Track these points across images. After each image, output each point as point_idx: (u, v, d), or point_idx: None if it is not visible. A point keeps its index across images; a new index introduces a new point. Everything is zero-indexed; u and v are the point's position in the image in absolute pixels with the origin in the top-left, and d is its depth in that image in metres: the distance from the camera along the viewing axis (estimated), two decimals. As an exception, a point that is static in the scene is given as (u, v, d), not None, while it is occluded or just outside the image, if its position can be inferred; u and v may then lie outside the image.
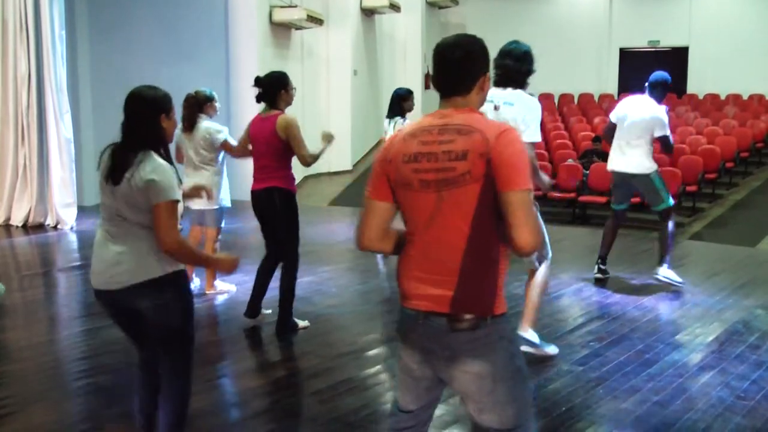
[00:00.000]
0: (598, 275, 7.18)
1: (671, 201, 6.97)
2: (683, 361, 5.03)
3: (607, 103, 19.05)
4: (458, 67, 2.38)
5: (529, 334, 4.93)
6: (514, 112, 4.63)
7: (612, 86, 20.24)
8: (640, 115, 6.72)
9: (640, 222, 10.79)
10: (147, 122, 3.15)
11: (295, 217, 5.42)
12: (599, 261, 7.22)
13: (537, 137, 4.71)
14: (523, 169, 2.25)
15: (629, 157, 6.80)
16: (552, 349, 5.07)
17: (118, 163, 3.10)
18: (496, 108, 4.67)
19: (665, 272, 6.98)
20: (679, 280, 6.98)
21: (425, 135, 2.36)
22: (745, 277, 7.63)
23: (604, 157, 12.54)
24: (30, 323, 6.02)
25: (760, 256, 9.36)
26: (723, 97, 18.67)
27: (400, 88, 8.11)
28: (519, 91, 4.74)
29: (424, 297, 2.36)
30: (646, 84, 6.85)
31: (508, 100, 4.69)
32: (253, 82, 5.38)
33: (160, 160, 3.13)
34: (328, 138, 5.54)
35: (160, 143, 3.18)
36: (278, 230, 5.45)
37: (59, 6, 10.14)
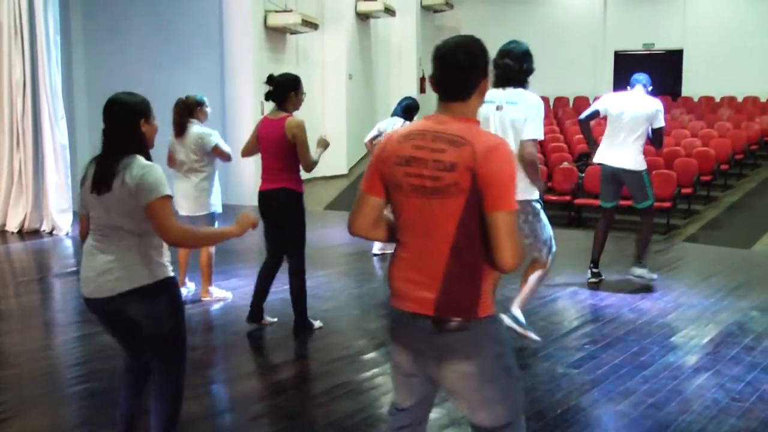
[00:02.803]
0: (593, 279, 7.19)
1: (653, 199, 7.09)
2: (678, 363, 5.04)
3: (602, 105, 19.08)
4: (460, 72, 2.37)
5: (518, 312, 5.09)
6: (517, 111, 4.65)
7: (607, 89, 20.09)
8: (642, 109, 6.79)
9: (636, 224, 10.77)
10: (127, 128, 3.17)
11: (302, 218, 5.45)
12: (592, 265, 7.24)
13: (540, 135, 4.75)
14: (510, 189, 2.28)
15: (624, 152, 6.84)
16: (534, 336, 5.19)
17: (104, 171, 3.11)
18: (498, 108, 4.67)
19: (641, 271, 7.10)
20: (654, 276, 7.11)
21: (419, 140, 2.37)
22: (740, 278, 7.64)
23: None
24: (25, 329, 6.01)
25: (755, 258, 9.38)
26: (717, 100, 18.71)
27: (415, 99, 8.31)
28: (521, 90, 4.75)
29: (411, 298, 2.41)
30: (641, 82, 6.90)
31: (511, 99, 4.69)
32: (265, 79, 5.40)
33: (146, 161, 3.15)
34: (323, 144, 5.54)
35: (141, 148, 3.20)
36: (284, 231, 5.47)
37: (54, 11, 10.13)
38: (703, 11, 19.23)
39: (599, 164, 7.08)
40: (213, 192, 6.40)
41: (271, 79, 5.38)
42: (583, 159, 13.33)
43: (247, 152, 5.82)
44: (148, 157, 3.21)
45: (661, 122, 6.86)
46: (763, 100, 18.24)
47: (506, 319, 5.04)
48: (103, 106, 3.19)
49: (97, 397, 4.47)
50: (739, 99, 18.51)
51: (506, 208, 2.26)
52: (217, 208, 6.48)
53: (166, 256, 3.26)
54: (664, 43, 19.80)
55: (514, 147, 4.68)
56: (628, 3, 19.86)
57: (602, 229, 7.24)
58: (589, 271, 7.24)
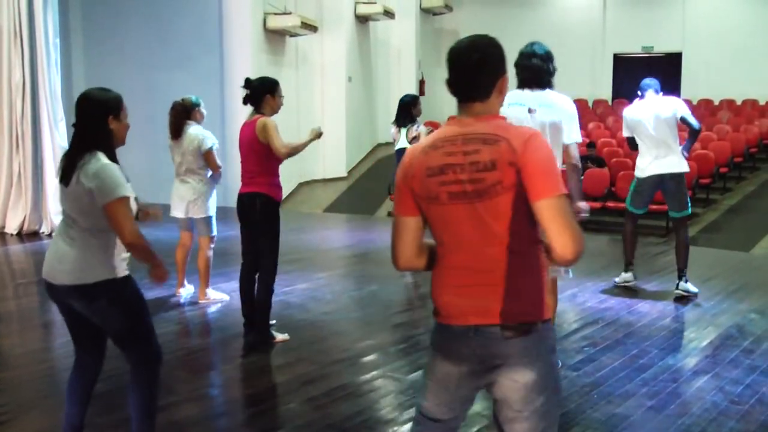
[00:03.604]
0: (632, 282, 7.16)
1: (690, 209, 6.99)
2: (677, 366, 5.04)
3: (601, 108, 19.12)
4: (476, 71, 2.29)
5: None
6: (554, 115, 4.51)
7: (606, 92, 20.29)
8: (669, 111, 6.77)
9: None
10: (95, 123, 3.20)
11: (276, 226, 5.31)
12: (630, 266, 7.20)
13: (580, 137, 4.68)
14: (554, 173, 2.20)
15: (668, 157, 6.76)
16: None
17: (67, 165, 3.18)
18: (531, 111, 4.51)
19: (687, 285, 6.90)
20: (696, 289, 6.92)
21: (449, 146, 2.27)
22: (739, 281, 7.65)
23: (598, 162, 12.60)
24: (25, 331, 6.01)
25: (754, 260, 9.39)
26: (717, 103, 18.73)
27: (406, 95, 8.19)
28: (550, 92, 4.61)
29: (470, 311, 2.28)
30: (652, 87, 6.87)
31: (545, 102, 4.55)
32: (243, 83, 5.37)
33: (105, 160, 3.16)
34: (316, 133, 5.38)
35: (107, 144, 3.22)
36: (258, 238, 5.36)
37: (53, 14, 10.14)
38: (703, 14, 19.24)
39: (645, 177, 6.92)
40: (211, 195, 6.40)
41: (248, 83, 5.35)
42: (582, 162, 13.34)
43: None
44: (113, 155, 3.23)
45: (684, 111, 6.81)
46: (762, 103, 18.26)
47: None
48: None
49: (97, 398, 4.43)
50: (738, 102, 18.53)
51: (555, 192, 2.17)
52: (213, 211, 6.46)
53: (123, 255, 3.30)
54: (663, 45, 19.82)
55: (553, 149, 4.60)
56: (627, 6, 19.89)
57: (631, 230, 7.21)
58: (630, 274, 7.17)
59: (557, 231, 2.16)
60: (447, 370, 2.38)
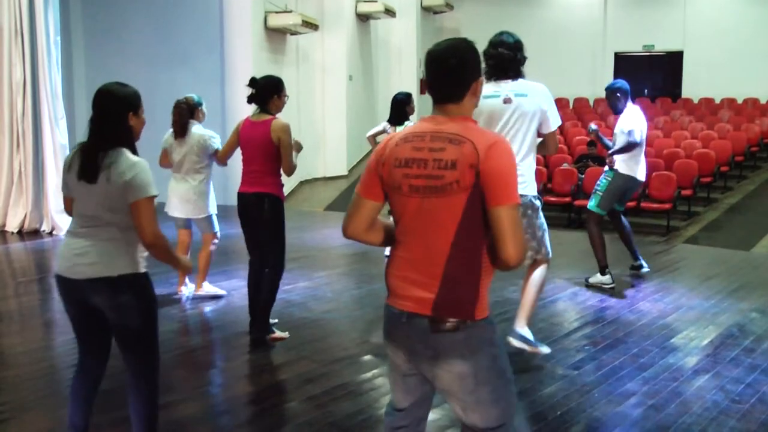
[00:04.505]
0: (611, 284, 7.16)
1: None
2: (678, 365, 5.04)
3: (602, 107, 19.08)
4: (452, 75, 2.40)
5: (525, 330, 4.93)
6: (531, 103, 4.57)
7: (607, 91, 20.26)
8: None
9: (637, 226, 10.78)
10: (115, 119, 3.16)
11: (282, 224, 5.37)
12: (607, 268, 7.17)
13: (559, 121, 4.77)
14: (512, 183, 2.30)
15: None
16: (545, 349, 5.06)
17: (91, 162, 3.11)
18: (506, 101, 4.57)
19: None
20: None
21: (417, 141, 2.39)
22: (740, 280, 7.65)
23: (599, 161, 12.59)
24: (25, 329, 6.01)
25: (755, 259, 9.38)
26: (718, 101, 18.72)
27: (399, 93, 8.14)
28: (523, 80, 4.66)
29: (408, 298, 2.41)
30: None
31: (520, 91, 4.59)
32: (248, 82, 5.37)
33: (135, 157, 3.14)
34: (297, 147, 5.45)
35: (128, 140, 3.18)
36: (262, 236, 5.38)
37: (54, 12, 10.14)
38: (704, 13, 19.23)
39: (642, 179, 7.23)
40: (210, 194, 6.42)
41: (253, 82, 5.35)
42: (583, 161, 13.33)
43: (224, 156, 5.78)
44: (134, 151, 3.21)
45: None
46: (763, 101, 18.25)
47: (514, 341, 4.89)
48: (93, 95, 3.19)
49: (97, 398, 4.45)
50: (739, 101, 18.52)
51: (510, 201, 2.27)
52: (213, 209, 6.49)
53: (143, 252, 3.26)
54: (664, 44, 19.81)
55: (530, 138, 4.64)
56: (628, 4, 19.87)
57: (600, 231, 7.25)
58: (609, 275, 7.14)
59: (505, 238, 2.27)
60: (394, 354, 2.52)
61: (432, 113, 2.47)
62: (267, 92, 5.32)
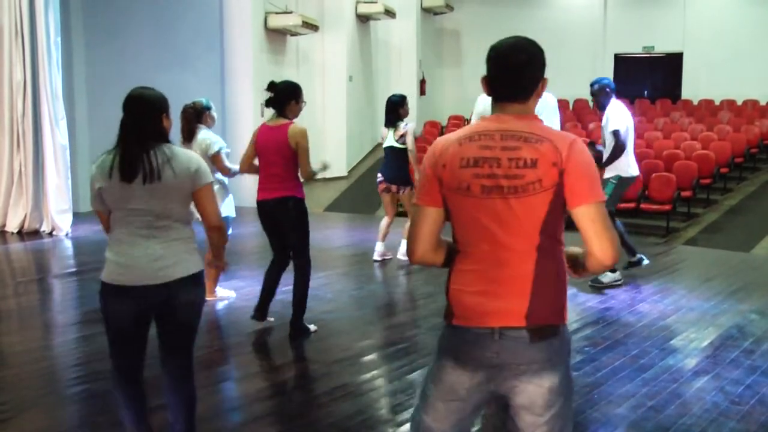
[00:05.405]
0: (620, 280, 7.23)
1: None
2: (678, 366, 5.04)
3: (601, 108, 19.09)
4: (522, 72, 2.28)
5: None
6: (543, 108, 4.61)
7: (606, 92, 20.26)
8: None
9: (636, 227, 10.80)
10: (154, 122, 3.23)
11: (307, 224, 5.48)
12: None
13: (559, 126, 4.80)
14: (598, 179, 2.23)
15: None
16: None
17: (148, 162, 3.13)
18: None
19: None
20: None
21: (486, 140, 2.25)
22: (740, 282, 7.65)
23: (597, 162, 12.58)
24: (25, 329, 6.01)
25: (755, 261, 9.39)
26: (717, 103, 18.71)
27: (394, 95, 8.13)
28: None
29: (494, 313, 2.22)
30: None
31: None
32: (266, 86, 5.41)
33: (185, 149, 3.31)
34: (323, 166, 5.65)
35: (166, 140, 3.27)
36: (290, 237, 5.47)
37: (55, 12, 10.14)
38: (703, 14, 19.23)
39: (634, 176, 7.33)
40: (224, 198, 6.24)
41: (272, 86, 5.37)
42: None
43: (246, 165, 5.64)
44: None
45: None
46: (762, 103, 18.23)
47: None
48: (124, 101, 3.24)
49: (97, 398, 4.46)
50: (739, 102, 18.51)
51: (599, 198, 2.19)
52: (231, 212, 6.36)
53: None
54: (664, 46, 19.80)
55: None
56: (628, 6, 19.87)
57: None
58: (618, 271, 7.22)
59: (600, 235, 2.17)
60: (457, 378, 2.29)
61: (493, 113, 2.33)
62: (285, 97, 5.34)
